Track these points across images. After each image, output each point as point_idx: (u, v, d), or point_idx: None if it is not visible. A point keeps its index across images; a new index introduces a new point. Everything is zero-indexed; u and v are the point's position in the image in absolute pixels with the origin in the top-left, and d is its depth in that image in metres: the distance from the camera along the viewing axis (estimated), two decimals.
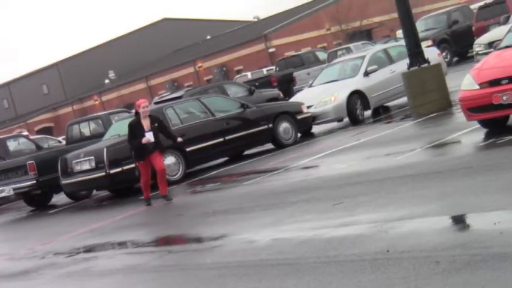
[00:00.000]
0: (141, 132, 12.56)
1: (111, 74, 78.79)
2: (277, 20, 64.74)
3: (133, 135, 12.73)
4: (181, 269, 7.66)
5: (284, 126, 16.96)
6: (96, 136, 18.75)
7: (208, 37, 77.20)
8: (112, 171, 15.05)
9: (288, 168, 13.17)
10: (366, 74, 18.50)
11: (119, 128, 16.69)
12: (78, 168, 15.77)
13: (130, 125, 12.82)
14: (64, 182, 16.09)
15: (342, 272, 5.93)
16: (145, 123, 12.67)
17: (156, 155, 12.70)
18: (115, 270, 8.47)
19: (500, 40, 12.16)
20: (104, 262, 9.16)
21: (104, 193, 17.20)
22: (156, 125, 12.79)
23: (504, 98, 10.18)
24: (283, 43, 58.55)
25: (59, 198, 18.25)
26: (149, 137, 12.48)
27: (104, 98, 74.80)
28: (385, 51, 19.82)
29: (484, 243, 5.62)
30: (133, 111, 13.35)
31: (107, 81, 77.90)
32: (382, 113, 18.85)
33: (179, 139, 13.34)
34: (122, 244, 10.22)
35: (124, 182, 15.59)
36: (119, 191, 16.29)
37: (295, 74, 34.04)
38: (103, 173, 15.12)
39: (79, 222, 13.37)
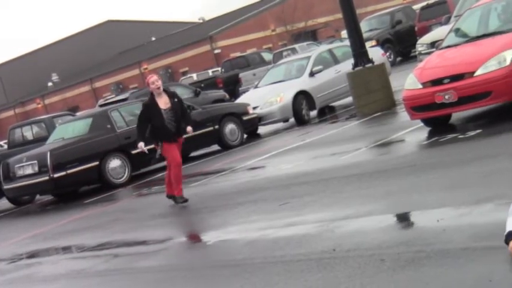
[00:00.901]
0: (159, 115, 10.54)
1: (55, 77, 77.70)
2: (223, 21, 64.72)
3: (146, 118, 10.69)
4: (128, 273, 7.58)
5: (230, 127, 16.95)
6: (39, 140, 18.43)
7: (153, 39, 76.75)
8: (56, 175, 14.84)
9: (234, 169, 13.15)
10: (312, 74, 18.61)
11: (63, 132, 16.49)
12: (20, 172, 15.52)
13: (145, 105, 10.77)
14: (6, 187, 15.82)
15: (289, 272, 5.94)
16: (163, 100, 10.59)
17: (175, 144, 10.75)
18: (59, 275, 8.34)
19: (442, 40, 12.33)
20: (48, 268, 9.01)
21: (48, 198, 16.94)
22: (176, 100, 10.74)
23: (446, 97, 10.33)
24: (228, 44, 58.54)
25: (1, 204, 17.91)
26: (141, 146, 10.64)
27: (47, 101, 73.75)
28: (330, 51, 19.97)
29: (428, 240, 5.67)
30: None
31: (50, 84, 76.80)
32: (327, 113, 18.97)
33: (189, 128, 10.93)
34: (66, 249, 10.07)
35: (68, 186, 15.40)
36: (63, 196, 16.07)
37: (241, 75, 34.05)
38: (47, 177, 14.90)
39: (22, 228, 13.14)
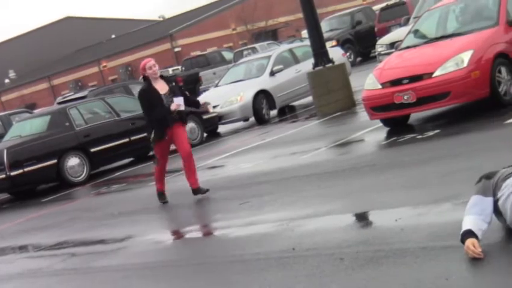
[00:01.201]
0: (158, 100, 9.74)
1: (12, 74, 76.70)
2: (183, 19, 64.53)
3: (150, 105, 9.82)
4: (85, 272, 7.50)
5: (190, 126, 16.86)
6: None
7: (113, 36, 76.20)
8: (13, 173, 14.64)
9: None
10: (272, 73, 18.63)
11: (20, 129, 16.27)
12: None
13: (141, 94, 9.92)
14: None
15: (248, 271, 5.93)
16: (160, 86, 9.87)
17: (180, 132, 9.94)
18: (15, 275, 8.23)
19: (401, 41, 12.44)
20: (3, 267, 8.88)
21: (4, 196, 16.70)
22: (174, 84, 10.11)
23: (405, 97, 10.42)
24: (189, 43, 58.39)
25: None
26: (178, 101, 9.72)
27: (4, 98, 72.78)
28: (291, 51, 20.02)
29: (386, 240, 5.72)
30: (141, 77, 10.46)
31: (6, 80, 75.78)
32: (287, 113, 19.01)
33: (207, 105, 10.39)
34: (22, 248, 9.94)
35: (25, 184, 15.19)
36: (19, 194, 15.86)
37: (201, 73, 33.98)
38: (3, 175, 14.70)
39: None
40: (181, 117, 9.93)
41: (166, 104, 9.69)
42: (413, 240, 5.52)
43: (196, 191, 9.91)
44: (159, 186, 10.26)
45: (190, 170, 9.98)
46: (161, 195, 10.26)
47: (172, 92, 9.82)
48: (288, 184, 9.23)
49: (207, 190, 9.88)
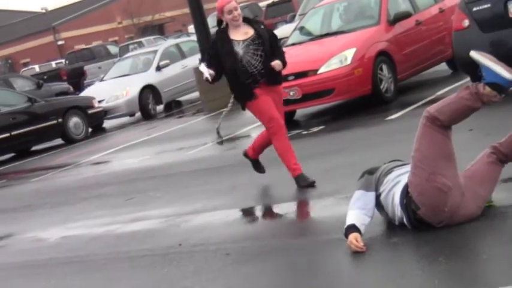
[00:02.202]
0: (231, 51, 7.13)
1: None
2: (67, 11, 63.02)
3: (215, 58, 7.25)
4: None
5: (74, 121, 16.55)
6: None
7: None
8: None
9: (78, 163, 12.85)
10: (158, 68, 18.53)
11: None
12: None
13: (213, 43, 7.37)
14: None
15: (133, 268, 5.86)
16: (240, 32, 7.20)
17: (272, 96, 7.25)
18: None
19: (287, 38, 12.60)
20: None
21: None
22: (263, 27, 7.32)
23: (291, 93, 10.55)
24: (72, 36, 57.14)
25: None
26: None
27: None
28: (177, 46, 19.97)
29: (273, 234, 5.76)
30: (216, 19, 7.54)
31: None
32: (174, 108, 18.93)
33: (276, 62, 7.10)
34: None
35: None
36: None
37: (86, 67, 33.36)
38: None
39: None
40: (270, 73, 7.11)
41: (240, 59, 7.11)
42: (299, 234, 5.59)
43: (301, 178, 7.10)
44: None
45: (286, 150, 7.27)
46: (257, 163, 7.94)
47: (259, 39, 7.15)
48: (174, 180, 9.18)
49: (313, 182, 7.07)
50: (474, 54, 4.90)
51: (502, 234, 4.57)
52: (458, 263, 4.33)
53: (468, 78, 9.37)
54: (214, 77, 7.24)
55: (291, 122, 11.23)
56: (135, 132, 15.66)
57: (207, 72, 7.10)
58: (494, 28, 8.82)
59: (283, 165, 7.22)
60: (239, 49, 7.11)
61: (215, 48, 7.26)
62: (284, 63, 7.27)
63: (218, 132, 8.41)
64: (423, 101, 9.89)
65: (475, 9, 8.96)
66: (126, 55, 22.19)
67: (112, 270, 5.95)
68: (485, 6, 8.89)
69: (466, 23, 9.03)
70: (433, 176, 4.75)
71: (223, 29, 7.23)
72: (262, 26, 7.32)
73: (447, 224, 4.81)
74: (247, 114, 13.16)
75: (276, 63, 7.06)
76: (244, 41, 7.13)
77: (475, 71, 8.06)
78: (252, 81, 7.18)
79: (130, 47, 33.83)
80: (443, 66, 12.29)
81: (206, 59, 7.47)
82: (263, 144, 7.79)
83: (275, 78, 7.25)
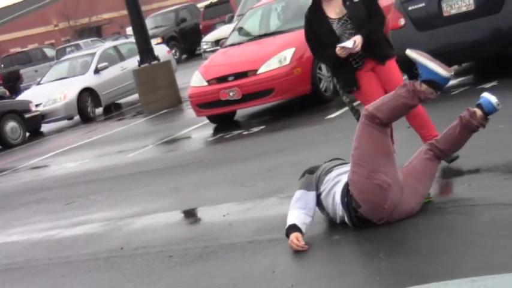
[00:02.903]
0: (327, 27, 6.05)
1: None
2: (1, 14, 61.88)
3: (315, 37, 6.16)
4: None
5: (11, 125, 16.26)
6: None
7: None
8: None
9: (16, 168, 12.63)
10: (97, 71, 18.34)
11: None
12: None
13: (307, 19, 6.18)
14: None
15: (75, 273, 5.79)
16: (333, 7, 6.05)
17: (388, 70, 6.08)
18: None
19: (226, 38, 12.61)
20: None
21: None
22: (357, 0, 6.05)
23: (231, 94, 10.56)
24: (8, 39, 56.10)
25: None
26: (348, 44, 5.87)
27: None
28: (116, 48, 19.79)
29: (214, 235, 5.77)
30: None
31: None
32: (113, 111, 18.75)
33: (357, 38, 5.93)
34: None
35: None
36: None
37: (22, 71, 32.83)
38: None
39: None
40: (373, 50, 6.01)
41: (340, 35, 6.05)
42: (241, 234, 5.61)
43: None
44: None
45: (425, 120, 6.07)
46: None
47: (355, 14, 6.03)
48: (115, 183, 9.10)
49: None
50: (410, 52, 4.99)
51: (440, 229, 4.66)
52: (399, 259, 4.40)
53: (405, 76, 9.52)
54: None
55: (231, 122, 11.26)
56: (74, 135, 15.47)
57: (351, 43, 5.85)
58: (429, 27, 8.99)
59: (223, 166, 7.22)
60: (336, 28, 6.05)
61: (311, 29, 6.15)
62: (375, 29, 6.05)
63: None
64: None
65: (410, 8, 9.11)
66: (63, 58, 21.92)
67: (53, 276, 5.87)
68: (420, 5, 9.04)
69: (402, 21, 9.17)
70: (372, 174, 4.81)
71: (316, 5, 6.09)
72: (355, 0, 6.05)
73: (387, 220, 4.88)
74: (187, 116, 13.19)
75: (356, 39, 5.87)
76: (339, 19, 6.04)
77: (411, 69, 8.24)
78: (354, 64, 6.06)
79: (68, 49, 33.42)
80: None
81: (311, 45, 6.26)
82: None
83: (379, 56, 6.06)
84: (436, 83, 4.90)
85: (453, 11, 8.82)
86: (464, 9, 8.74)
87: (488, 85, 8.43)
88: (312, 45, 6.24)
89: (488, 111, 5.00)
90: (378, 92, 5.84)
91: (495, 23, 8.59)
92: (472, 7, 8.62)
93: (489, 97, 5.00)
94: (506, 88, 7.99)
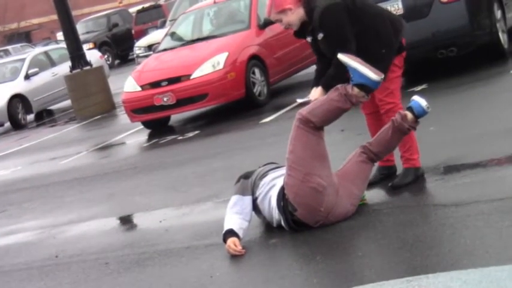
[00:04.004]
0: (372, 10, 5.43)
1: None
2: None
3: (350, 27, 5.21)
4: None
5: None
6: None
7: None
8: None
9: None
10: (27, 77, 18.03)
11: None
12: None
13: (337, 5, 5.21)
14: None
15: (8, 282, 5.69)
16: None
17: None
18: None
19: (159, 43, 12.57)
20: None
21: None
22: None
23: (165, 99, 10.53)
24: None
25: None
26: (305, 99, 5.40)
27: None
28: (46, 53, 19.51)
29: (151, 241, 5.74)
30: None
31: None
32: (45, 117, 18.45)
33: None
34: None
35: None
36: None
37: None
38: None
39: None
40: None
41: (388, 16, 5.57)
42: (178, 240, 5.60)
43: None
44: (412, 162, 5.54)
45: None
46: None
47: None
48: (48, 190, 8.96)
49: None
50: (341, 56, 5.05)
51: (376, 231, 4.73)
52: (335, 261, 4.46)
53: None
54: None
55: (166, 127, 11.22)
56: (5, 142, 15.17)
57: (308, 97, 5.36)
58: None
59: (158, 172, 7.19)
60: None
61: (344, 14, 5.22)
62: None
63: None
64: (296, 104, 10.09)
65: None
66: None
67: None
68: None
69: None
70: (308, 177, 4.87)
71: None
72: None
73: (324, 223, 4.94)
74: (121, 121, 13.08)
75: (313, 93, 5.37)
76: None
77: None
78: None
79: None
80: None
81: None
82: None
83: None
84: (367, 87, 4.99)
85: None
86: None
87: (419, 88, 8.62)
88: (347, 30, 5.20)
89: (419, 114, 5.11)
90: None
91: (424, 27, 8.78)
92: (401, 11, 8.79)
93: (419, 100, 5.11)
94: (435, 91, 8.19)
